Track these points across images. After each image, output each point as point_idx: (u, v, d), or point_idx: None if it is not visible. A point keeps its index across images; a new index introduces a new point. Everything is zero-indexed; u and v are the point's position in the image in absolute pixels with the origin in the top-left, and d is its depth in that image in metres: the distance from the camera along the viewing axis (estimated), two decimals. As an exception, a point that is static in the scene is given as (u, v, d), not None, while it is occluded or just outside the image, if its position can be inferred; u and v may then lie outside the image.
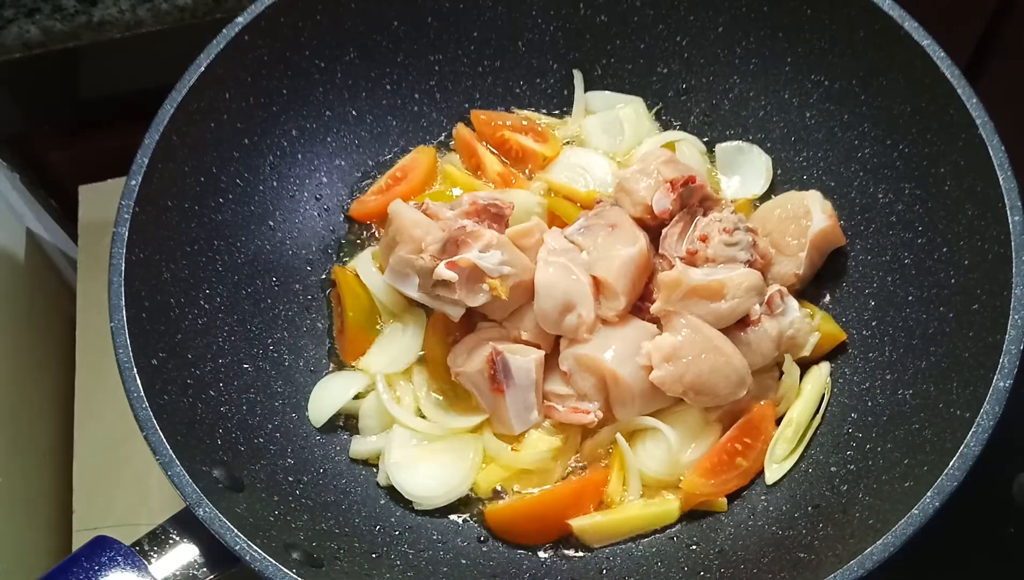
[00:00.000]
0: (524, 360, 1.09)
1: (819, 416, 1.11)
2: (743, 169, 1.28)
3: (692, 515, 1.09)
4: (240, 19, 1.13)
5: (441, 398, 1.16)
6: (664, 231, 1.13)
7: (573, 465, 1.12)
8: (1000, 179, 0.97)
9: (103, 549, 0.90)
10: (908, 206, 1.11)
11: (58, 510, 1.34)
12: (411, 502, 1.11)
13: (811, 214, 1.13)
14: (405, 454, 1.12)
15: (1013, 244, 0.95)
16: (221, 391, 1.08)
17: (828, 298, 1.18)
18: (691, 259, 1.10)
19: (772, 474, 1.08)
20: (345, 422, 1.17)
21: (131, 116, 1.17)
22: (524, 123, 1.32)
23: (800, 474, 1.08)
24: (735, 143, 1.28)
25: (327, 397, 1.16)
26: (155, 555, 0.91)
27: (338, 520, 1.07)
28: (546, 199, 1.25)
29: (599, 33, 1.30)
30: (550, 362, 1.12)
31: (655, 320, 1.10)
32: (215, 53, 1.11)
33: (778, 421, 1.11)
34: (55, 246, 1.60)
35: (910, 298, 1.09)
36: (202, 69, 1.10)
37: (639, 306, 1.12)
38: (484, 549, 1.10)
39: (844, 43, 1.15)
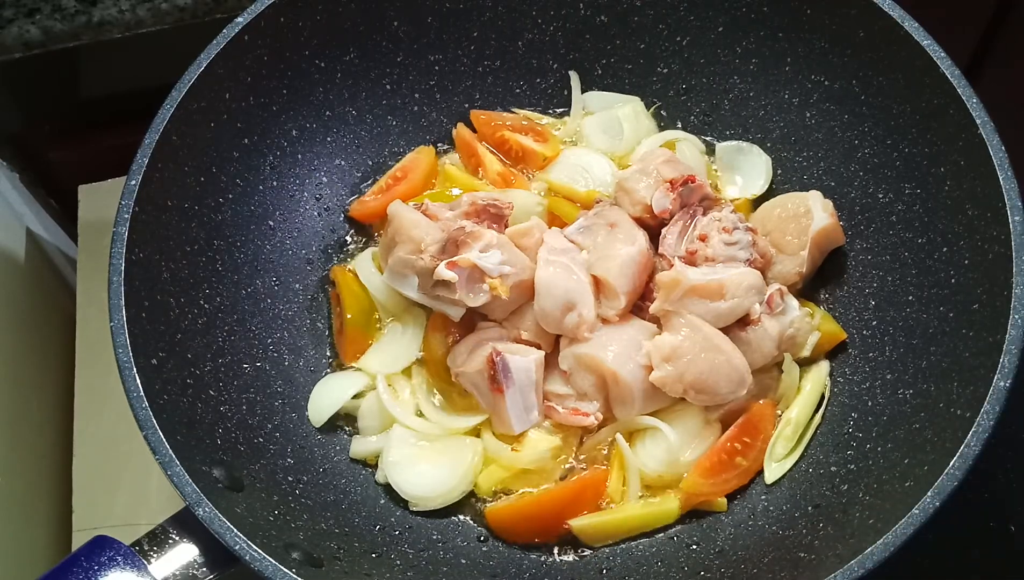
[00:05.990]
0: (524, 360, 1.09)
1: (819, 415, 1.11)
2: (743, 169, 1.28)
3: (692, 515, 1.09)
4: (240, 19, 1.13)
5: (441, 398, 1.16)
6: (664, 231, 1.13)
7: (573, 465, 1.12)
8: (1000, 179, 0.97)
9: (103, 549, 0.89)
10: (908, 206, 1.11)
11: (58, 510, 1.34)
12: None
13: (811, 213, 1.13)
14: (404, 454, 1.11)
15: (1013, 244, 0.95)
16: (221, 391, 1.08)
17: (828, 297, 1.18)
18: (691, 259, 1.10)
19: (772, 473, 1.08)
20: (345, 422, 1.17)
21: (131, 116, 1.17)
22: (524, 123, 1.32)
23: (800, 474, 1.08)
24: (735, 143, 1.28)
25: (327, 397, 1.16)
26: (155, 555, 0.91)
27: (338, 520, 1.07)
28: (546, 199, 1.25)
29: (599, 33, 1.30)
30: (550, 362, 1.12)
31: (655, 319, 1.10)
32: (215, 53, 1.11)
33: (778, 420, 1.11)
34: (55, 246, 1.59)
35: (910, 298, 1.09)
36: (202, 69, 1.10)
37: (639, 305, 1.12)
38: (484, 549, 1.10)
39: (844, 43, 1.15)
